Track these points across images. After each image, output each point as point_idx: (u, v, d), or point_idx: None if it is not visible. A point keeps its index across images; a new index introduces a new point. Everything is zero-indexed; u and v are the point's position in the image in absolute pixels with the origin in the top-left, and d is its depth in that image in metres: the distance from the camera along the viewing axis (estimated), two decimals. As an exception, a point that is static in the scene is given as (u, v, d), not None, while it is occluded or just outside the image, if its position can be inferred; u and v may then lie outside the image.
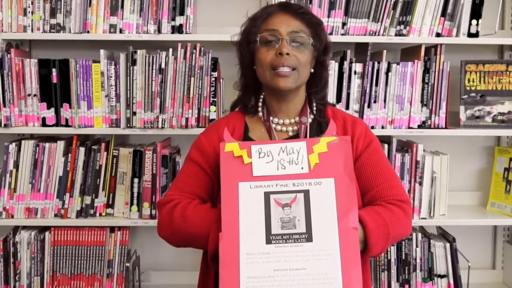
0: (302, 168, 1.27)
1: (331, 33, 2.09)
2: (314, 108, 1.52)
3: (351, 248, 1.19)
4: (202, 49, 2.08)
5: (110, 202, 2.14)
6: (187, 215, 1.35)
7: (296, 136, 1.47)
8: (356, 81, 2.12)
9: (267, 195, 1.24)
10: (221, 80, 2.17)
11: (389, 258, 2.16)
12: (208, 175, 1.45)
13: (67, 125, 2.09)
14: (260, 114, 1.51)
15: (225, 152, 1.30)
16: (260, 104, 1.52)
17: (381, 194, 1.40)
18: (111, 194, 2.14)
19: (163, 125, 2.09)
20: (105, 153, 2.12)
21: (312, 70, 1.49)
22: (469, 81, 2.21)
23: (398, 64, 2.12)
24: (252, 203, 1.23)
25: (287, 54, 1.39)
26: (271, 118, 1.50)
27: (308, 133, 1.47)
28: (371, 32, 2.12)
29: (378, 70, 2.11)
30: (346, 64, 2.10)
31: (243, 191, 1.25)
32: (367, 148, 1.46)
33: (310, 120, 1.50)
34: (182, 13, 2.09)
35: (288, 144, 1.31)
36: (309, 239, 1.19)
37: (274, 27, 1.43)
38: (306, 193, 1.24)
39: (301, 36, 1.43)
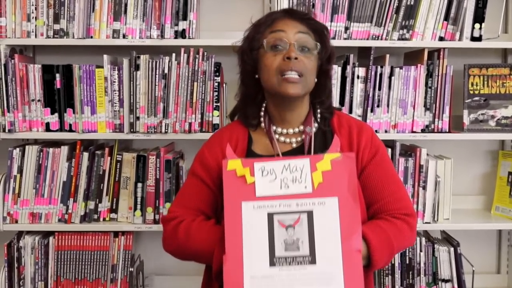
0: (305, 187, 1.25)
1: (334, 38, 2.08)
2: (319, 117, 1.48)
3: (355, 271, 1.18)
4: (205, 54, 2.08)
5: (114, 207, 2.14)
6: (191, 233, 1.35)
7: (300, 148, 1.43)
8: (359, 86, 2.11)
9: (270, 216, 1.22)
10: (224, 85, 2.17)
11: (393, 262, 2.15)
12: (212, 190, 1.44)
13: (70, 130, 2.10)
14: (262, 124, 1.46)
15: (227, 170, 1.28)
16: (262, 114, 1.47)
17: (386, 208, 1.38)
18: (115, 199, 2.14)
19: (166, 130, 2.09)
20: (109, 158, 2.12)
21: (316, 80, 1.45)
22: (472, 85, 2.21)
23: (401, 68, 2.12)
24: (256, 224, 1.22)
25: (295, 58, 1.35)
26: (274, 128, 1.46)
27: (312, 144, 1.42)
28: (374, 36, 2.12)
29: (381, 74, 2.11)
30: (349, 69, 2.10)
31: (246, 212, 1.23)
32: (373, 158, 1.43)
33: (314, 129, 1.45)
34: (185, 18, 2.09)
35: (291, 162, 1.28)
36: (312, 261, 1.18)
37: (281, 28, 1.39)
38: (310, 213, 1.22)
39: (308, 38, 1.39)
